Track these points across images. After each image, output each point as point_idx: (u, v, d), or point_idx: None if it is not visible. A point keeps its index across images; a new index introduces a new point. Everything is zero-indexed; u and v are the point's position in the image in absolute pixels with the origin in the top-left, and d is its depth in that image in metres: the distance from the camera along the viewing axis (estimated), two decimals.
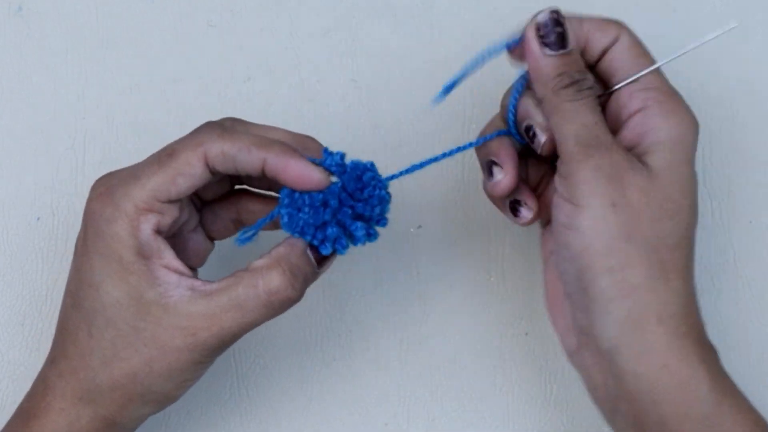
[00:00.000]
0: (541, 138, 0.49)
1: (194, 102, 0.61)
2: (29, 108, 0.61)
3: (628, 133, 0.48)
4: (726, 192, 0.60)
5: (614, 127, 0.48)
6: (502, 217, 0.60)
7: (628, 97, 0.48)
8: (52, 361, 0.50)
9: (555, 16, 0.48)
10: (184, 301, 0.47)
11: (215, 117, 0.60)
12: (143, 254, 0.47)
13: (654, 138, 0.47)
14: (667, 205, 0.46)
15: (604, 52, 0.49)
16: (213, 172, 0.47)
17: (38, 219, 0.60)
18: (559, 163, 0.47)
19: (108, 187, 0.48)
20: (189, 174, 0.47)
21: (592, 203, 0.46)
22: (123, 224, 0.46)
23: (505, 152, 0.50)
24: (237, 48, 0.62)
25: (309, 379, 0.59)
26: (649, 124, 0.47)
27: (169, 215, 0.47)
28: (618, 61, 0.49)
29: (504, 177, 0.50)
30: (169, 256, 0.47)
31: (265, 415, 0.59)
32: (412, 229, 0.60)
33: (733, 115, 0.62)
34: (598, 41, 0.49)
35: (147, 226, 0.47)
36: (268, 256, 0.48)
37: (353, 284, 0.60)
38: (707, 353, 0.47)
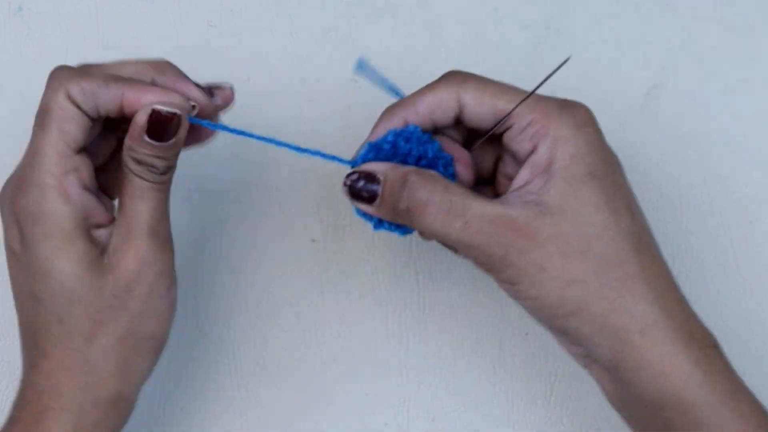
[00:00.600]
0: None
1: None
2: (29, 108, 0.60)
3: (536, 178, 0.47)
4: (726, 192, 0.60)
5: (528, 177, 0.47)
6: None
7: (517, 144, 0.48)
8: (33, 367, 0.49)
9: (355, 178, 0.49)
10: (114, 237, 0.48)
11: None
12: (81, 217, 0.47)
13: (550, 173, 0.46)
14: (580, 239, 0.45)
15: (458, 120, 0.49)
16: (87, 114, 0.47)
17: None
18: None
19: (18, 177, 0.48)
20: (68, 118, 0.47)
21: (522, 274, 0.46)
22: (53, 196, 0.46)
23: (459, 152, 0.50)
24: (237, 48, 0.62)
25: (309, 379, 0.59)
26: (539, 161, 0.47)
27: (86, 167, 0.48)
28: (476, 122, 0.48)
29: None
30: (100, 212, 0.48)
31: (265, 415, 0.59)
32: None
33: (733, 114, 0.62)
34: (442, 118, 0.49)
35: (74, 187, 0.47)
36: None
37: (353, 284, 0.60)
38: (703, 353, 0.47)
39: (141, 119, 0.47)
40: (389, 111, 0.50)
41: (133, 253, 0.47)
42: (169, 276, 0.49)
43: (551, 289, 0.46)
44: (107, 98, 0.47)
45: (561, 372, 0.59)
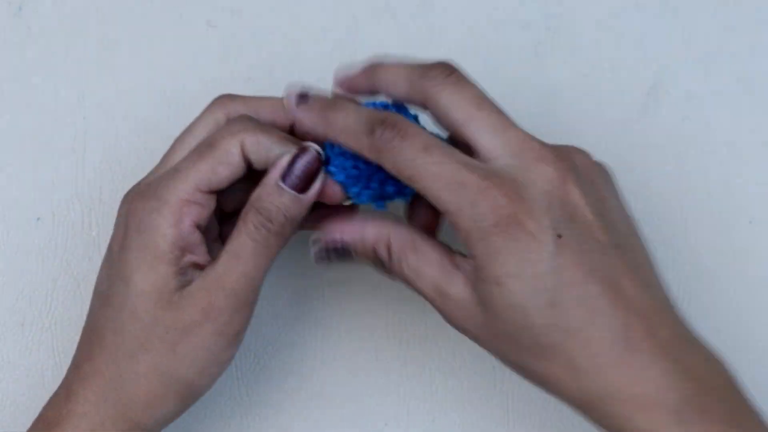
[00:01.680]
0: None
1: (194, 102, 0.61)
2: (29, 108, 0.62)
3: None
4: (726, 192, 0.60)
5: None
6: None
7: None
8: (76, 366, 0.50)
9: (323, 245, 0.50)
10: (197, 282, 0.48)
11: None
12: (180, 246, 0.48)
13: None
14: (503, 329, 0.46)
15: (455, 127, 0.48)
16: (247, 162, 0.48)
17: (38, 219, 0.60)
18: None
19: (147, 185, 0.49)
20: (228, 162, 0.48)
21: None
22: (166, 215, 0.47)
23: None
24: (237, 48, 0.62)
25: (309, 379, 0.59)
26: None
27: (208, 208, 0.48)
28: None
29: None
30: (201, 252, 0.49)
31: (265, 415, 0.59)
32: None
33: (733, 114, 0.62)
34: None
35: (189, 218, 0.48)
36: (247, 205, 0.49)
37: (353, 284, 0.60)
38: (677, 371, 0.45)
39: (284, 161, 0.48)
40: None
41: (203, 304, 0.47)
42: (232, 338, 0.49)
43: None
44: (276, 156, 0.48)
45: None
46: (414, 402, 0.59)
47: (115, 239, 0.49)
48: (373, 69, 0.50)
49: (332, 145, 0.49)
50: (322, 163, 0.49)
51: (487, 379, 0.59)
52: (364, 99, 0.52)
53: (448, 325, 0.60)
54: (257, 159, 0.48)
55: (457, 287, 0.46)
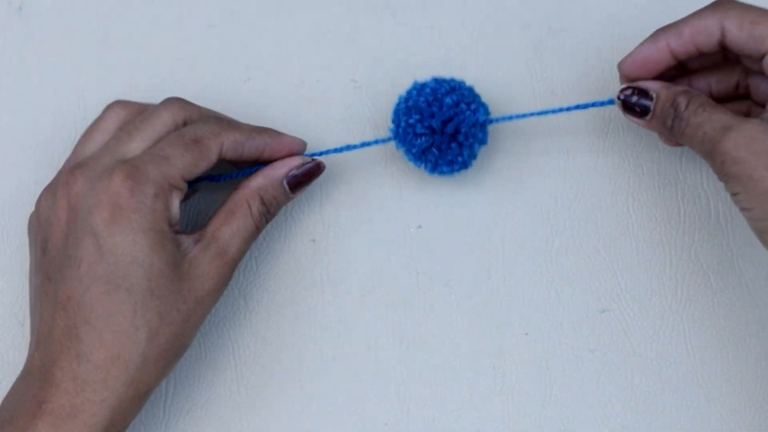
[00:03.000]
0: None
1: (194, 102, 0.61)
2: (29, 108, 0.62)
3: None
4: (726, 192, 0.60)
5: None
6: (502, 217, 0.60)
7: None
8: (77, 357, 0.50)
9: (629, 93, 0.54)
10: (199, 249, 0.52)
11: None
12: (173, 224, 0.52)
13: None
14: None
15: (722, 45, 0.52)
16: (221, 157, 0.54)
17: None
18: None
19: (135, 167, 0.51)
20: (208, 159, 0.53)
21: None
22: (163, 198, 0.51)
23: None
24: (237, 48, 0.62)
25: (309, 379, 0.59)
26: None
27: (184, 190, 0.53)
28: (738, 48, 0.51)
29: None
30: (179, 225, 0.53)
31: (265, 415, 0.59)
32: (411, 229, 0.60)
33: None
34: (704, 43, 0.52)
35: (176, 200, 0.52)
36: (248, 187, 0.55)
37: (353, 284, 0.60)
38: None
39: (297, 165, 0.56)
40: (654, 35, 0.53)
41: (216, 276, 0.53)
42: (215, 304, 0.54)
43: (756, 202, 0.49)
44: (252, 149, 0.55)
45: (561, 372, 0.59)
46: (414, 402, 0.59)
47: (98, 218, 0.50)
48: (659, 35, 0.54)
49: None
50: (318, 174, 0.57)
51: (487, 379, 0.60)
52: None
53: (448, 325, 0.60)
54: (232, 156, 0.54)
55: (751, 121, 0.49)
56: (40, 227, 0.53)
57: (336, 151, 0.58)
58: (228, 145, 0.54)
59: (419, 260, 0.60)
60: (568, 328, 0.60)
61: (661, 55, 0.53)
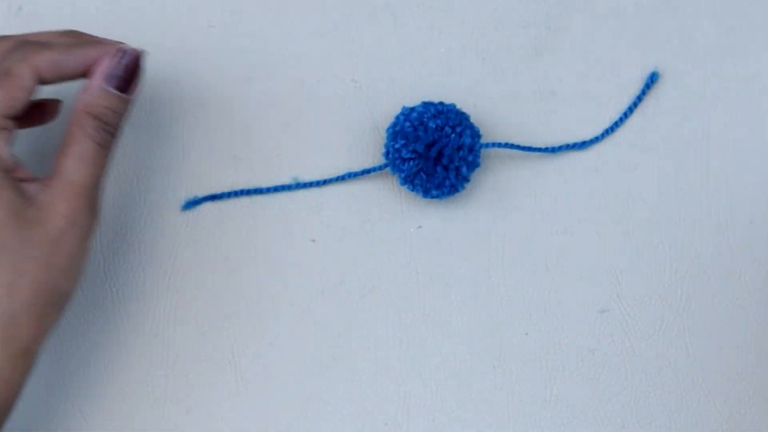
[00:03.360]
0: None
1: (194, 103, 0.61)
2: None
3: None
4: (726, 192, 0.60)
5: None
6: (502, 217, 0.60)
7: None
8: None
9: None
10: (45, 193, 0.50)
11: (216, 117, 0.60)
12: (6, 169, 0.49)
13: None
14: None
15: None
16: (42, 82, 0.51)
17: None
18: None
19: None
20: (26, 87, 0.50)
21: None
22: None
23: None
24: (237, 48, 0.62)
25: (309, 379, 0.59)
26: None
27: (12, 127, 0.51)
28: None
29: None
30: (20, 167, 0.51)
31: (265, 415, 0.59)
32: (412, 229, 0.60)
33: (733, 114, 0.62)
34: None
35: (3, 142, 0.50)
36: (74, 112, 0.51)
37: (353, 284, 0.60)
38: None
39: (111, 64, 0.51)
40: None
41: (65, 211, 0.49)
42: (90, 236, 0.51)
43: None
44: (73, 64, 0.51)
45: (561, 372, 0.60)
46: (414, 402, 0.59)
47: None
48: None
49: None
50: (140, 62, 0.53)
51: (487, 379, 0.60)
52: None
53: (448, 325, 0.60)
54: (52, 77, 0.51)
55: None
56: None
57: (339, 179, 0.59)
58: (44, 67, 0.50)
59: (419, 260, 0.60)
60: (568, 328, 0.60)
61: None
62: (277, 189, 0.59)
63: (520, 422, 0.59)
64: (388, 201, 0.60)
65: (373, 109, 0.61)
